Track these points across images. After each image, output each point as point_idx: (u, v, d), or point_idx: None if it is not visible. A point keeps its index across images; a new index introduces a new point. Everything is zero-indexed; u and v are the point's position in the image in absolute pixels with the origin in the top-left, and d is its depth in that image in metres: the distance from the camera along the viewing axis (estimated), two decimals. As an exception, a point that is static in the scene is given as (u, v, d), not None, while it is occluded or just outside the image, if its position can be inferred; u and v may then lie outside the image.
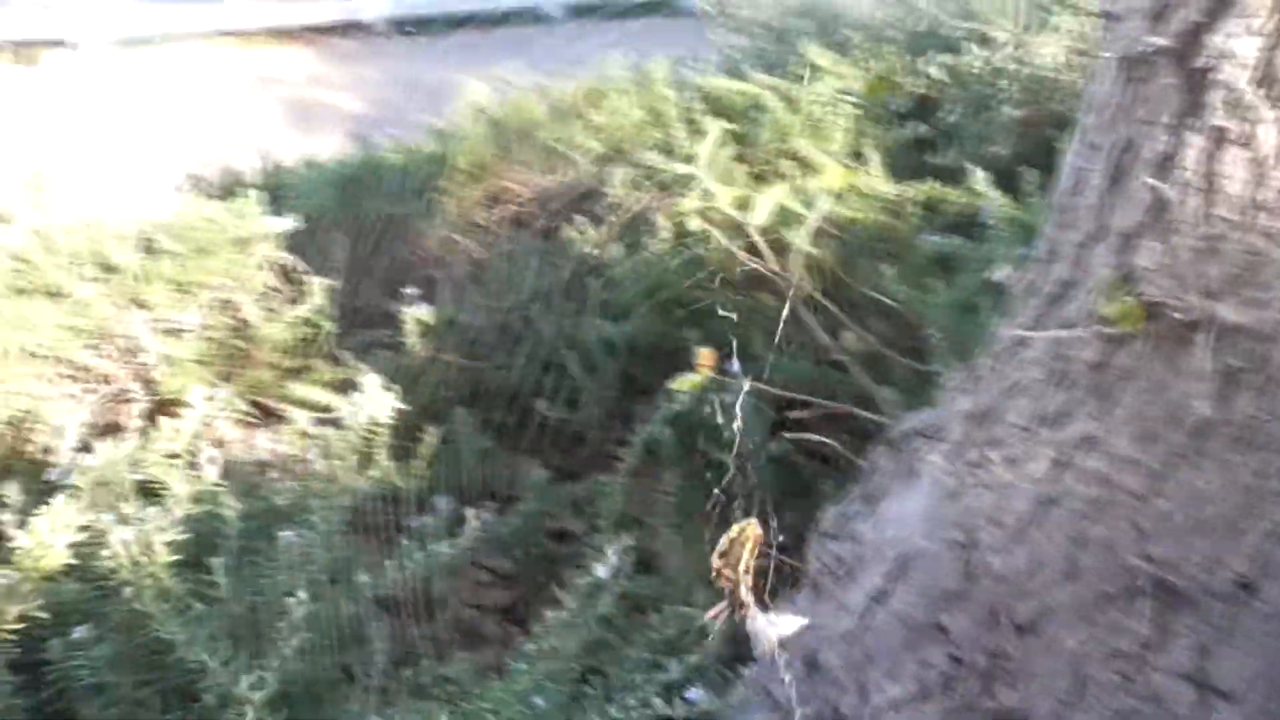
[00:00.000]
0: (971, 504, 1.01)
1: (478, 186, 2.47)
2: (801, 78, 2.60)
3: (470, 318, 1.94)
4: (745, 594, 1.06)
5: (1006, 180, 2.06)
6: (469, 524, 1.44)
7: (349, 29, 8.08)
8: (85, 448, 1.57)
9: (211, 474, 1.34)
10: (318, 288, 2.06)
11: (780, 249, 1.87)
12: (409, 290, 1.89)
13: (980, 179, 1.89)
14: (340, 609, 1.21)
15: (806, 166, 2.17)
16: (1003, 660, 0.97)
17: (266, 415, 1.95)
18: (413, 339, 1.86)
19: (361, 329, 2.09)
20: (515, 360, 1.90)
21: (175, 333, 1.93)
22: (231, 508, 1.30)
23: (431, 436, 1.69)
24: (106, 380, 1.87)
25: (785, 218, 1.63)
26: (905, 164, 2.33)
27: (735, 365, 1.64)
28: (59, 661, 1.07)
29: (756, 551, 1.13)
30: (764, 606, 1.10)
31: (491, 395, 1.87)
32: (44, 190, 2.18)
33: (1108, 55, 1.05)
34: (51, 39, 6.60)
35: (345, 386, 1.94)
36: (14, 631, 1.07)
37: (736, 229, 1.35)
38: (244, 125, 5.35)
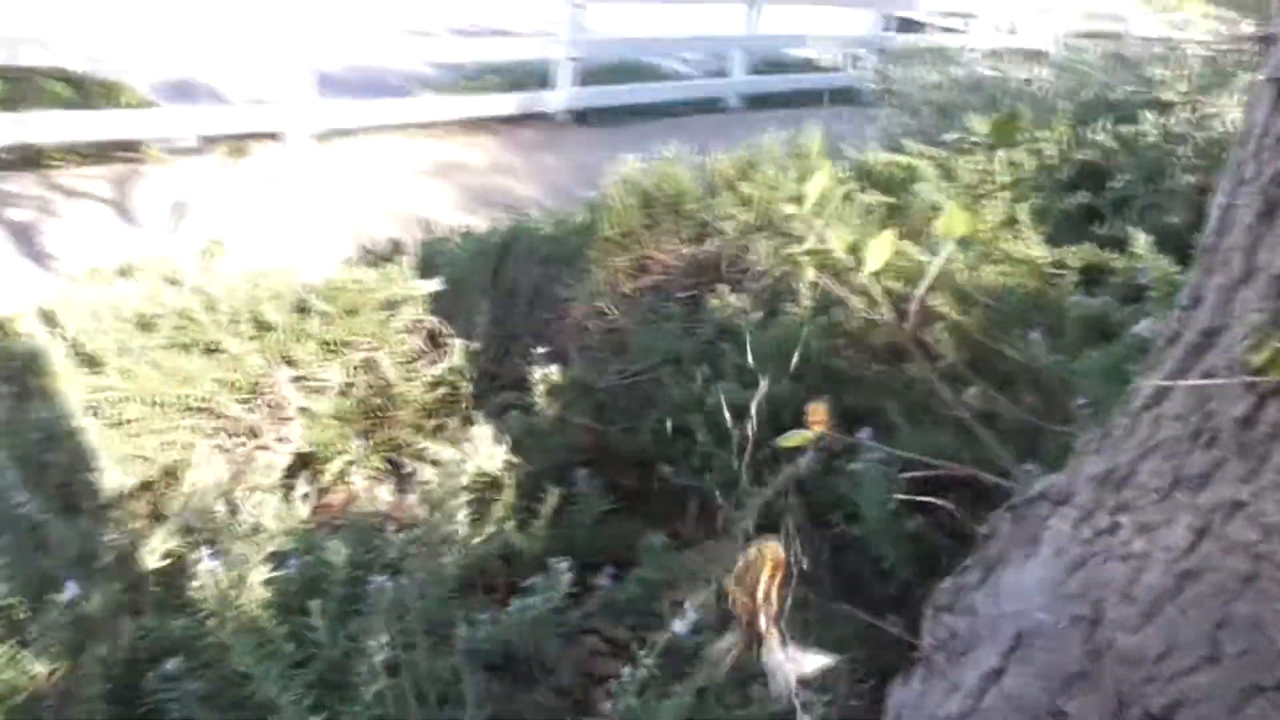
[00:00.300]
0: (1098, 575, 0.90)
1: (624, 255, 2.48)
2: (963, 150, 2.52)
3: (600, 380, 1.92)
4: (763, 624, 0.99)
5: (1178, 249, 1.91)
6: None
7: (533, 120, 8.43)
8: (225, 496, 1.63)
9: (303, 511, 1.35)
10: (458, 350, 2.10)
11: (925, 317, 1.79)
12: (539, 350, 1.90)
13: (1141, 240, 1.75)
14: (432, 661, 1.18)
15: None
16: (1132, 755, 0.85)
17: (399, 472, 1.97)
18: (541, 400, 1.86)
19: (499, 391, 2.11)
20: (643, 424, 1.87)
21: (320, 390, 1.99)
22: (339, 553, 1.30)
23: (552, 497, 1.67)
24: (253, 433, 1.94)
25: (909, 273, 1.55)
26: (1069, 234, 2.20)
27: (865, 433, 1.56)
28: (152, 694, 1.09)
29: (778, 577, 1.05)
30: (784, 639, 1.01)
31: (617, 459, 1.84)
32: (217, 257, 2.32)
33: (1263, 79, 0.95)
34: (263, 133, 7.15)
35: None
36: (118, 661, 1.09)
37: (881, 298, 1.28)
38: (423, 206, 5.61)
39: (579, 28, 8.61)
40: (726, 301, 2.11)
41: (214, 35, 6.69)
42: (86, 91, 6.69)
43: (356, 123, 7.45)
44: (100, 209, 5.87)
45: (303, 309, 2.04)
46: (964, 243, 1.97)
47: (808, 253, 1.05)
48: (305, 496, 1.72)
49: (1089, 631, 0.89)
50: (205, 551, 1.15)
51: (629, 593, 1.59)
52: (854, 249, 1.09)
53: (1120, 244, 2.02)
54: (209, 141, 7.00)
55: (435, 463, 1.82)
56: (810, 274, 1.57)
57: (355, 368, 2.02)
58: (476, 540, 1.51)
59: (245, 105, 7.10)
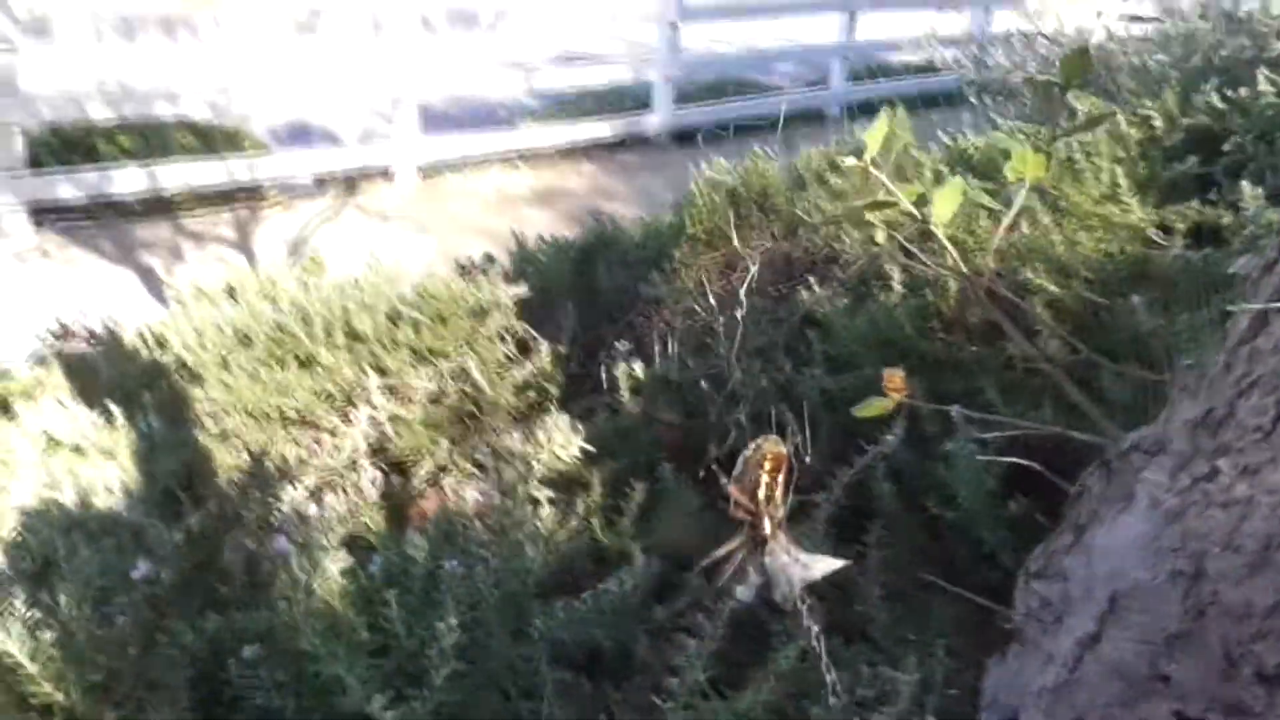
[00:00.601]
0: (1198, 526, 0.82)
1: (711, 254, 2.45)
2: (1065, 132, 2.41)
3: (684, 374, 1.89)
4: (767, 526, 0.93)
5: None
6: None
7: (633, 142, 8.49)
8: (315, 498, 1.66)
9: (372, 494, 1.35)
10: (545, 354, 2.10)
11: (1019, 291, 1.71)
12: (621, 345, 1.88)
13: (1248, 190, 1.64)
14: (508, 649, 1.16)
15: (1056, 209, 1.98)
16: (1244, 718, 0.77)
17: (488, 476, 1.97)
18: (626, 397, 1.84)
19: (588, 394, 2.10)
20: (729, 418, 1.82)
21: (410, 397, 2.01)
22: (419, 547, 1.30)
23: (637, 493, 1.64)
24: (346, 441, 1.97)
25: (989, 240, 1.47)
26: (1179, 202, 2.08)
27: (957, 410, 1.49)
28: (233, 681, 1.09)
29: (780, 475, 0.99)
30: (789, 541, 0.95)
31: (704, 454, 1.79)
32: (316, 275, 2.37)
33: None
34: (373, 169, 7.37)
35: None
36: (199, 648, 1.11)
37: (955, 256, 1.22)
38: (524, 228, 5.69)
39: (674, 48, 8.63)
40: (814, 291, 2.05)
41: (325, 79, 6.94)
42: (211, 139, 7.01)
43: (460, 155, 7.61)
44: (223, 250, 6.13)
45: (394, 318, 2.07)
46: (1058, 210, 1.88)
47: (871, 206, 1.00)
48: (392, 498, 1.73)
49: (1190, 587, 0.81)
50: (282, 541, 1.16)
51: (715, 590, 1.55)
52: (921, 201, 1.03)
53: (1235, 207, 1.90)
54: (323, 181, 7.25)
55: (509, 455, 1.81)
56: (880, 236, 1.50)
57: (446, 375, 2.03)
58: (560, 536, 1.49)
59: (354, 145, 7.33)
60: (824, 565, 0.97)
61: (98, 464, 1.63)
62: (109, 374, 2.05)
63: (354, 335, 2.03)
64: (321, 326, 2.01)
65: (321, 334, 2.01)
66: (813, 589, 1.30)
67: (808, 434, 1.50)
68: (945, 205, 1.00)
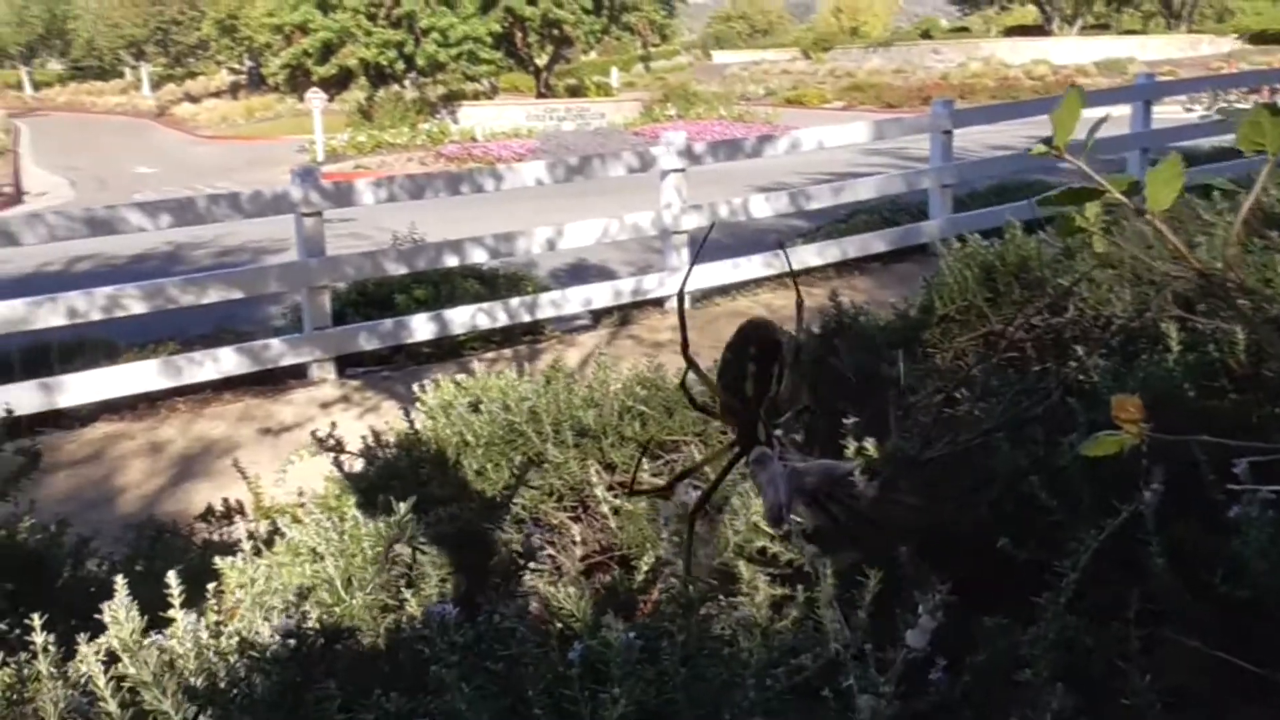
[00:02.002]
0: None
1: (965, 333, 2.29)
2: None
3: (926, 451, 1.73)
4: (758, 430, 0.75)
5: None
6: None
7: (909, 253, 8.33)
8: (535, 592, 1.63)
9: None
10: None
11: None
12: (850, 420, 1.75)
13: None
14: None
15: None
16: None
17: (723, 574, 1.88)
18: (859, 479, 1.70)
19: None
20: (979, 498, 1.64)
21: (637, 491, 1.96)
22: (619, 636, 1.23)
23: (873, 583, 1.49)
24: (579, 540, 1.94)
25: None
26: None
27: (1243, 467, 1.26)
28: None
29: (771, 365, 0.80)
30: (781, 445, 0.76)
31: (949, 539, 1.62)
32: (552, 381, 2.41)
33: None
34: (646, 300, 7.63)
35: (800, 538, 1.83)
36: None
37: (1180, 248, 1.04)
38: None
39: (948, 155, 8.48)
40: (1079, 360, 1.85)
41: (599, 222, 7.31)
42: (495, 284, 7.52)
43: (729, 279, 7.74)
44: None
45: (623, 413, 2.05)
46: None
47: (1073, 194, 0.86)
48: (615, 593, 1.67)
49: None
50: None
51: (964, 686, 1.36)
52: (1133, 189, 0.88)
53: None
54: (598, 315, 7.58)
55: (755, 561, 1.71)
56: (1100, 246, 1.30)
57: (673, 467, 1.98)
58: (780, 625, 1.38)
59: (627, 278, 7.64)
60: (823, 470, 0.81)
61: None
62: (358, 485, 2.15)
63: (581, 431, 2.03)
64: (550, 424, 2.03)
65: (550, 431, 2.02)
66: (1061, 669, 1.11)
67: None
68: (1163, 188, 0.85)
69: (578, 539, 1.80)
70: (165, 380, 5.99)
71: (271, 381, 6.53)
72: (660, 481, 1.95)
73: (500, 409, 2.08)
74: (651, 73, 38.69)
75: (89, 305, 5.76)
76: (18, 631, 1.29)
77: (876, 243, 8.13)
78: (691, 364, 0.87)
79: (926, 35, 45.72)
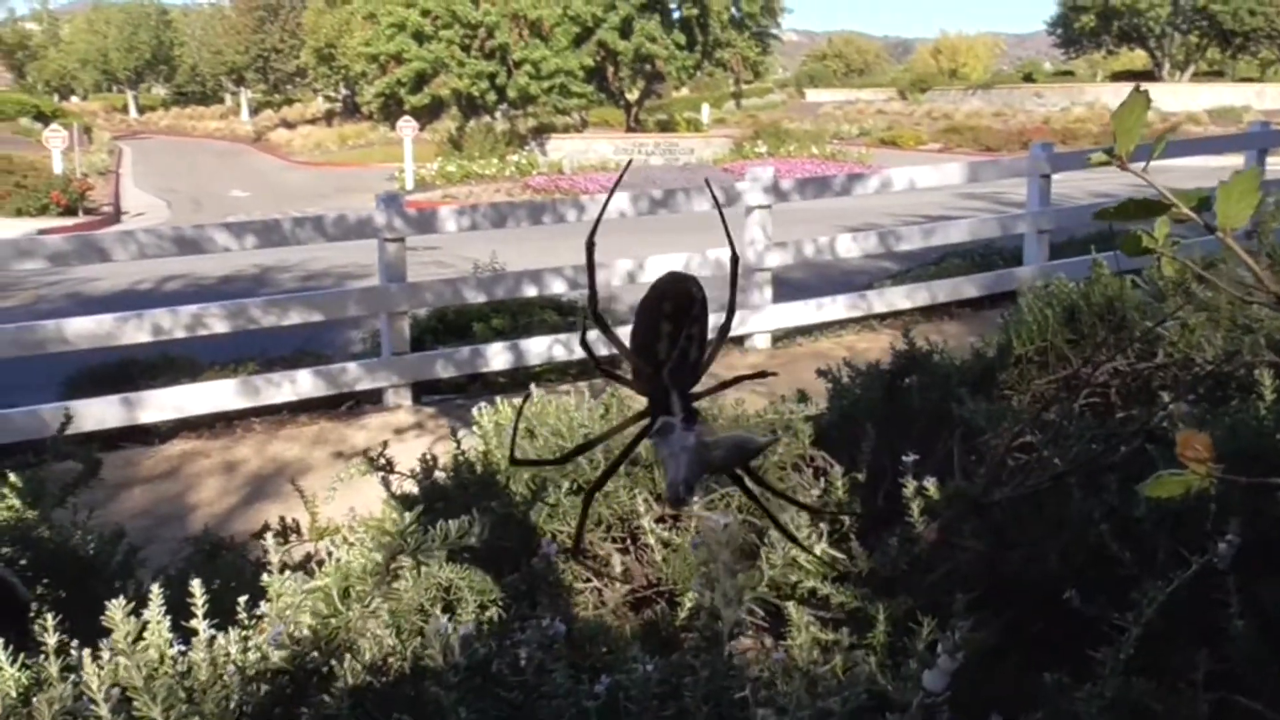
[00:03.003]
0: None
1: (1044, 375, 2.21)
2: None
3: (991, 494, 1.66)
4: (670, 401, 0.68)
5: None
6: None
7: (1001, 299, 8.15)
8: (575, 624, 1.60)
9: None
10: (839, 481, 1.95)
11: None
12: (909, 458, 1.69)
13: None
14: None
15: None
16: None
17: (776, 616, 1.83)
18: (916, 519, 1.64)
19: (888, 526, 1.91)
20: (1049, 546, 1.57)
21: (688, 525, 1.93)
22: (646, 670, 1.19)
23: (926, 631, 1.43)
24: (621, 570, 1.91)
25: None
26: None
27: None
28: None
29: (684, 323, 0.74)
30: (690, 415, 0.69)
31: (1013, 588, 1.55)
32: (610, 409, 2.39)
33: None
34: (730, 336, 7.57)
35: (854, 581, 1.77)
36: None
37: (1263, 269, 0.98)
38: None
39: (1045, 199, 8.31)
40: (1163, 406, 1.77)
41: (680, 256, 7.29)
42: (573, 316, 7.56)
43: (813, 320, 7.67)
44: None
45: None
46: None
47: (1133, 207, 0.80)
48: (657, 629, 1.64)
49: None
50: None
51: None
52: (1202, 204, 0.82)
53: None
54: (676, 352, 7.54)
55: (810, 603, 1.66)
56: (1170, 269, 1.21)
57: (728, 502, 1.93)
58: (823, 669, 1.32)
59: (709, 316, 7.60)
60: (734, 444, 0.74)
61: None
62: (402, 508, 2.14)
63: (634, 460, 2.00)
64: (602, 451, 2.00)
65: (601, 459, 2.00)
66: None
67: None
68: (1237, 202, 0.79)
69: (618, 569, 1.76)
70: (243, 400, 6.12)
71: (347, 405, 6.63)
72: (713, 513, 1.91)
73: (552, 434, 2.07)
74: (743, 109, 38.85)
75: (173, 323, 5.93)
76: (61, 637, 1.31)
77: (967, 287, 7.98)
78: (598, 319, 0.82)
79: (1029, 78, 45.16)
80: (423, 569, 1.29)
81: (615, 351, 0.81)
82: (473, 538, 1.14)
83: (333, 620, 1.09)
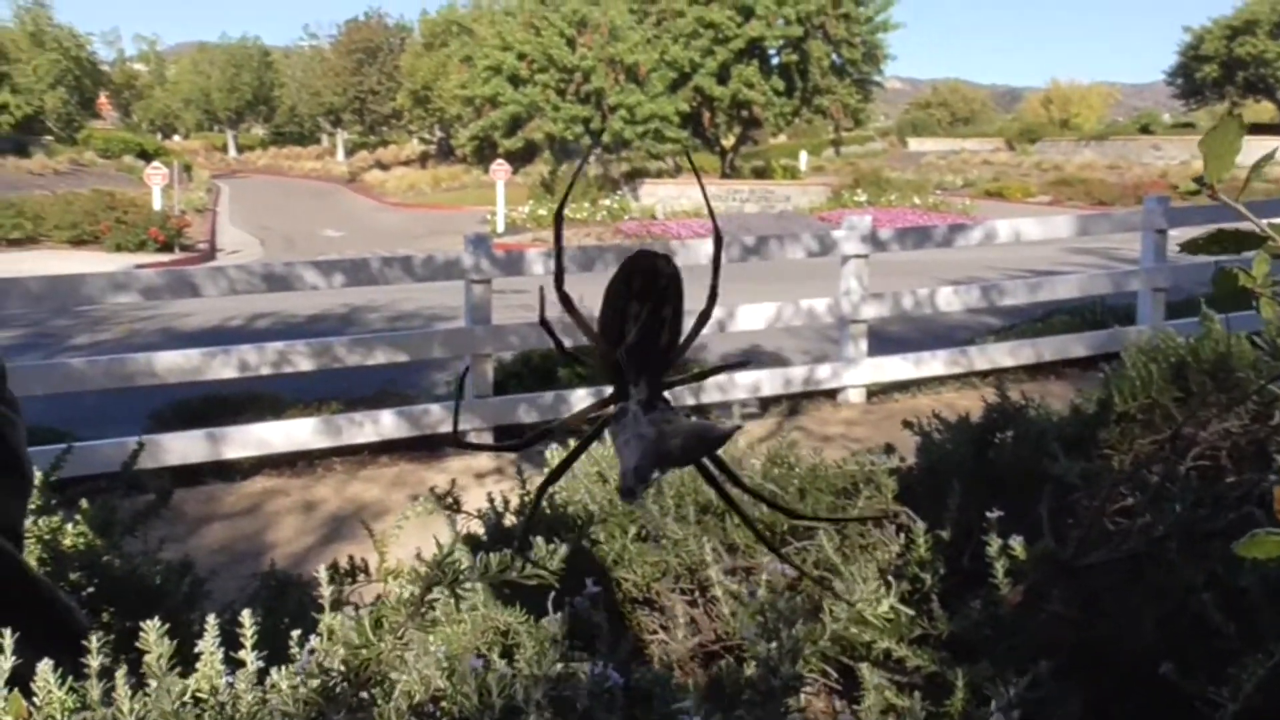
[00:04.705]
0: None
1: (1148, 435, 2.13)
2: None
3: (1081, 558, 1.60)
4: (633, 386, 0.63)
5: None
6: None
7: (1112, 360, 7.94)
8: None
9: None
10: (922, 539, 1.90)
11: None
12: (993, 514, 1.64)
13: None
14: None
15: None
16: None
17: (849, 676, 1.78)
18: (1000, 580, 1.59)
19: (973, 587, 1.85)
20: (1145, 614, 1.50)
21: (755, 575, 1.90)
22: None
23: (1011, 697, 1.38)
24: (685, 622, 1.88)
25: None
26: None
27: None
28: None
29: (666, 308, 0.69)
30: (652, 398, 0.64)
31: (1103, 657, 1.48)
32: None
33: None
34: (819, 391, 7.52)
35: (932, 644, 1.72)
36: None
37: None
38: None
39: (1161, 255, 8.10)
40: (1276, 465, 1.69)
41: (772, 305, 7.28)
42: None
43: (910, 375, 7.56)
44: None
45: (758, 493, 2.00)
46: None
47: (1222, 239, 0.76)
48: (712, 680, 1.61)
49: None
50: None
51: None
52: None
53: None
54: (766, 403, 7.51)
55: (882, 665, 1.62)
56: (1269, 312, 1.15)
57: (805, 558, 1.90)
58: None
59: (799, 367, 7.55)
60: (693, 432, 0.69)
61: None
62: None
63: (704, 508, 1.98)
64: (671, 497, 1.99)
65: (671, 505, 1.98)
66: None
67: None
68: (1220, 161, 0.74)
69: (681, 620, 1.74)
70: (325, 439, 6.24)
71: (428, 447, 6.71)
72: (787, 568, 1.87)
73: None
74: (842, 157, 38.82)
75: (259, 359, 6.09)
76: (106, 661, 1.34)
77: (1075, 346, 7.80)
78: (564, 298, 0.79)
79: (1146, 130, 44.29)
80: (480, 611, 1.29)
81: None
82: (514, 572, 1.14)
83: (364, 651, 1.09)
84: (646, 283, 0.75)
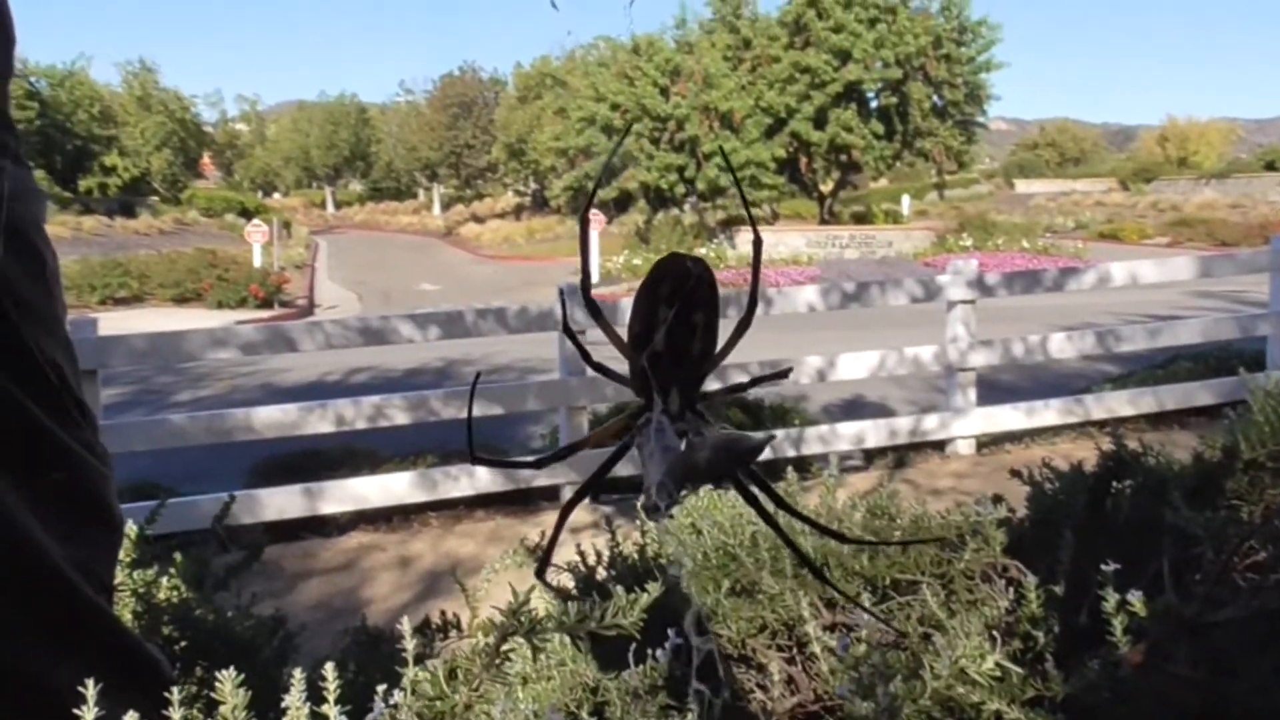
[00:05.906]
0: None
1: (1278, 484, 2.04)
2: None
3: (1208, 615, 1.53)
4: (663, 396, 0.59)
5: None
6: None
7: (1234, 407, 7.66)
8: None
9: None
10: (1033, 595, 1.84)
11: None
12: (1109, 567, 1.58)
13: None
14: None
15: None
16: None
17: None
18: (1120, 638, 1.52)
19: (1091, 647, 1.78)
20: (1276, 678, 1.43)
21: (859, 635, 1.85)
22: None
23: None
24: (780, 679, 1.84)
25: None
26: None
27: None
28: None
29: (699, 315, 0.63)
30: (683, 411, 0.59)
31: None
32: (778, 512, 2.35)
33: None
34: (925, 442, 7.39)
35: (1047, 706, 1.65)
36: None
37: None
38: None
39: (1290, 297, 7.82)
40: None
41: (875, 353, 7.19)
42: (759, 415, 7.51)
43: (1022, 425, 7.39)
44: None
45: (806, 517, 1.96)
46: None
47: None
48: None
49: None
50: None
51: None
52: None
53: None
54: (871, 454, 7.39)
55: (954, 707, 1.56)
56: None
57: (909, 613, 1.85)
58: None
59: (904, 417, 7.43)
60: (723, 444, 0.64)
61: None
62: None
63: (798, 563, 1.95)
64: (767, 550, 1.96)
65: (767, 558, 1.95)
66: None
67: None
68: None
69: (777, 678, 1.70)
70: (421, 493, 6.32)
71: (523, 501, 6.76)
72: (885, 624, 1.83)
73: (717, 530, 2.04)
74: (946, 201, 38.42)
75: (355, 413, 6.21)
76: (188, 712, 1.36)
77: (1201, 394, 7.53)
78: (590, 304, 0.77)
79: (1271, 167, 42.94)
80: (569, 666, 1.28)
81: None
82: (593, 623, 1.13)
83: (438, 703, 1.09)
84: (677, 287, 0.72)
